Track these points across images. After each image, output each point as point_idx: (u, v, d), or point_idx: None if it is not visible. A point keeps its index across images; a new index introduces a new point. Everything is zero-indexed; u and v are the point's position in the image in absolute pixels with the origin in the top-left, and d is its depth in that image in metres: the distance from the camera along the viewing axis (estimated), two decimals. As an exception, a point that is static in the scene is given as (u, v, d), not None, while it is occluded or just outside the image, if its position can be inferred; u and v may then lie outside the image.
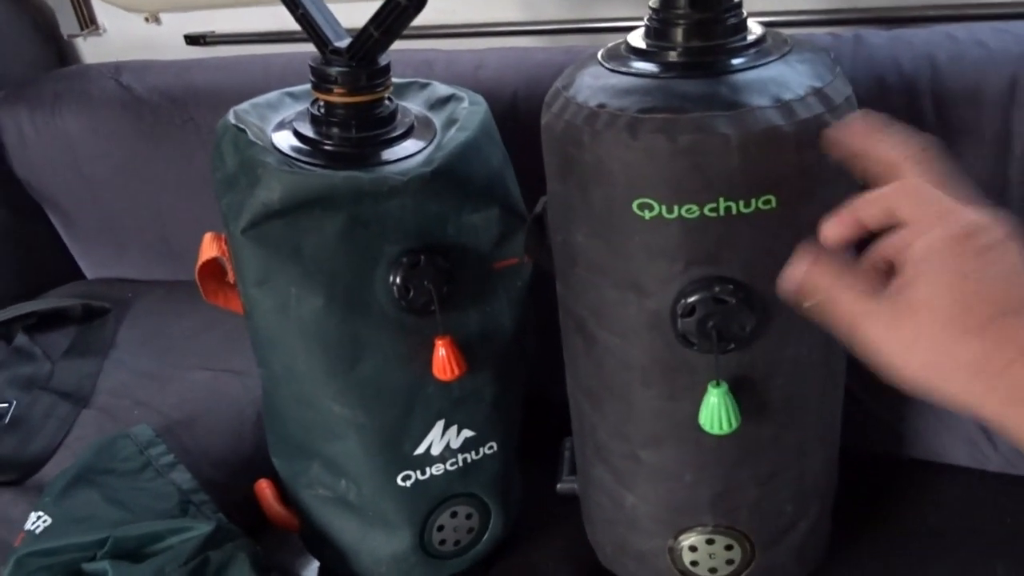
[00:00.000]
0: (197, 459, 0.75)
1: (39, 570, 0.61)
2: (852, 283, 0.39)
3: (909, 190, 0.39)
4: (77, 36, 1.09)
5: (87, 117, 0.99)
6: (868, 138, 0.40)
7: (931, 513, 0.73)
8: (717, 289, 0.48)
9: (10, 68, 1.05)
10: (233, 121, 0.60)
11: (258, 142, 0.58)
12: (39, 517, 0.65)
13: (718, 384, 0.50)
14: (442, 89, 0.68)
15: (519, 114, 0.76)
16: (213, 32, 1.03)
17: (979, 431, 0.73)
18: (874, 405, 0.75)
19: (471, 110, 0.64)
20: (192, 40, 1.04)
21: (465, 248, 0.61)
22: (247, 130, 0.59)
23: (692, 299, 0.48)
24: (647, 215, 0.47)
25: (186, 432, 0.78)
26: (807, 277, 0.40)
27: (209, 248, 0.62)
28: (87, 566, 0.61)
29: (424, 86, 0.69)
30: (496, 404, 0.65)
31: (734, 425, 0.50)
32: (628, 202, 0.47)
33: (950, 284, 0.37)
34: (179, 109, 0.95)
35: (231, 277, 0.62)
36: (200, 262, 0.63)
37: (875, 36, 0.68)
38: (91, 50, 1.11)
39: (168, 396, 0.82)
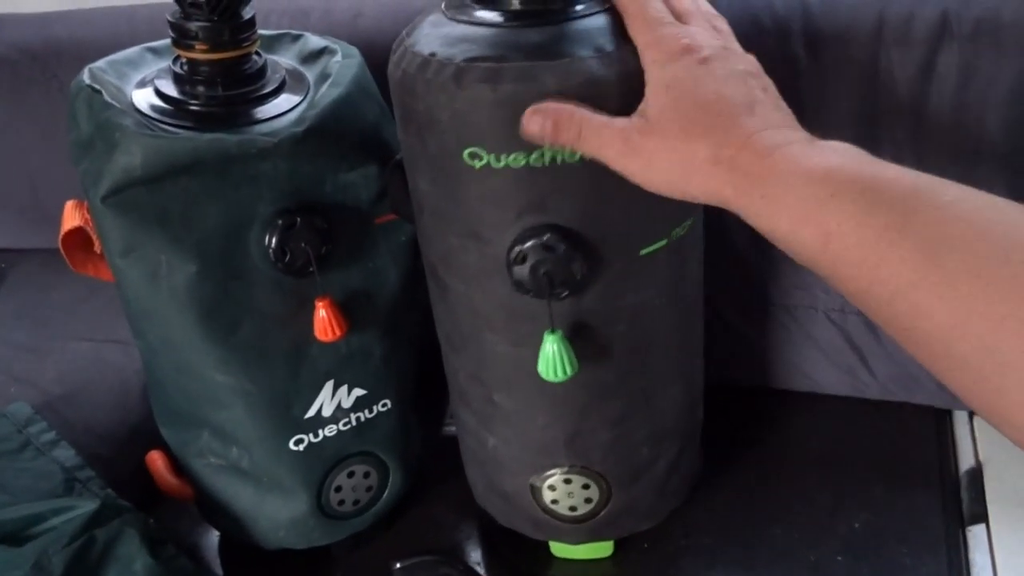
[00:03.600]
0: (82, 434, 0.72)
1: (-88, 561, 0.58)
2: (595, 113, 0.44)
3: (635, 15, 0.46)
4: (-76, -12, 1.01)
5: (-59, 77, 0.93)
6: None
7: (807, 443, 0.76)
8: (546, 237, 0.49)
9: None
10: (87, 81, 0.57)
11: (115, 104, 0.55)
12: (-91, 506, 0.62)
13: (553, 331, 0.51)
14: (315, 41, 0.65)
15: (399, 64, 0.74)
16: (75, -19, 0.97)
17: (857, 360, 0.76)
18: (747, 332, 0.77)
19: (344, 63, 0.62)
20: (52, -10, 0.97)
21: (344, 206, 0.59)
22: (102, 90, 0.56)
23: (523, 247, 0.49)
24: (477, 164, 0.48)
25: (68, 407, 0.74)
26: (556, 109, 0.44)
27: (71, 217, 0.59)
28: (-36, 553, 0.58)
29: (296, 38, 0.66)
30: (386, 360, 0.65)
31: (569, 372, 0.51)
32: (459, 151, 0.48)
33: (676, 97, 0.42)
34: (40, 66, 0.89)
35: (98, 247, 0.59)
36: (63, 232, 0.60)
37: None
38: (-59, 4, 1.03)
39: (48, 370, 0.79)
